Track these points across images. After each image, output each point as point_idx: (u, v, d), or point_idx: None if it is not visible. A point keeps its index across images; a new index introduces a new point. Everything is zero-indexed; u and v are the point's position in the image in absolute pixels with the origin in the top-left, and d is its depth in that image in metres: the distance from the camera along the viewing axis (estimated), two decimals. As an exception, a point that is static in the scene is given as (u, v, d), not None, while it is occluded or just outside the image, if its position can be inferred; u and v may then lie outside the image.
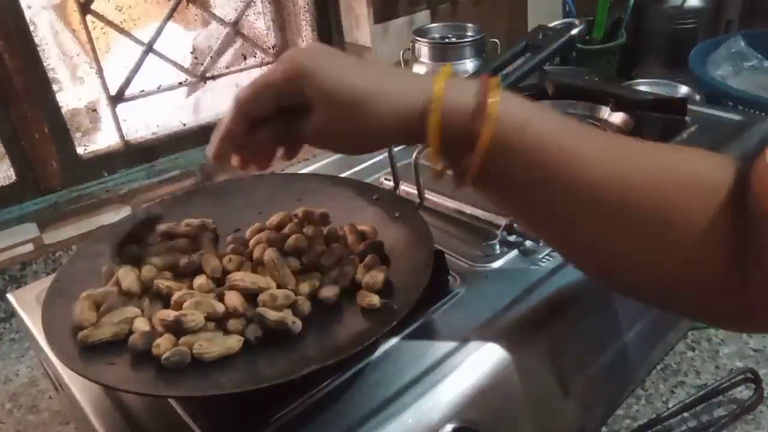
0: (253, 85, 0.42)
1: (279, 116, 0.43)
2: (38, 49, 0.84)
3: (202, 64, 1.08)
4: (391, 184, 0.64)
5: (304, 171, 0.76)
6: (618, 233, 0.39)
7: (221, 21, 1.07)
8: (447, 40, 1.06)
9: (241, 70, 1.11)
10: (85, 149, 0.94)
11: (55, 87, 0.88)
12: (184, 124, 1.04)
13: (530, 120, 0.39)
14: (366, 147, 0.44)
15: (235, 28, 1.09)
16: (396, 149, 0.63)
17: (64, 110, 0.89)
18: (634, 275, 0.41)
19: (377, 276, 0.47)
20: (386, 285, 0.48)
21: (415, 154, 0.59)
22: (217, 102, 1.10)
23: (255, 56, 1.12)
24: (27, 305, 0.56)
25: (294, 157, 0.48)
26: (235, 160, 0.46)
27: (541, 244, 0.56)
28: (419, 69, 1.05)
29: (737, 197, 0.37)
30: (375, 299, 0.46)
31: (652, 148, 0.41)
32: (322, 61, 0.41)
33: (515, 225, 0.58)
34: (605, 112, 0.79)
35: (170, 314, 0.43)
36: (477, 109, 0.38)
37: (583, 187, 0.39)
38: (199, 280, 0.47)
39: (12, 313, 0.68)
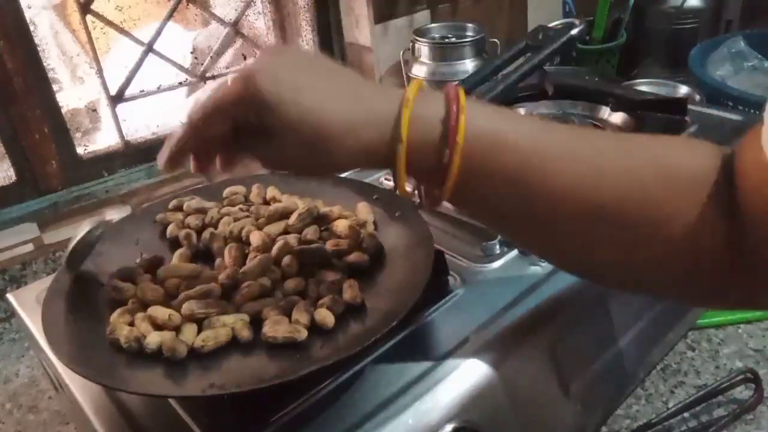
0: (205, 108, 0.40)
1: (230, 132, 0.41)
2: (38, 49, 0.84)
3: (202, 64, 1.08)
4: (391, 184, 0.64)
5: (304, 171, 0.76)
6: (602, 240, 0.39)
7: (221, 21, 1.07)
8: (447, 40, 1.06)
9: (241, 70, 1.10)
10: (85, 149, 0.94)
11: (55, 87, 0.88)
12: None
13: (498, 137, 0.38)
14: (326, 174, 0.45)
15: (235, 28, 1.09)
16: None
17: (64, 110, 0.89)
18: (624, 274, 0.41)
19: (327, 316, 0.45)
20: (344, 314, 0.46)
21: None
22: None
23: (255, 56, 1.12)
24: (27, 305, 0.56)
25: (230, 171, 0.45)
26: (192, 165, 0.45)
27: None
28: (419, 69, 1.05)
29: (724, 188, 0.36)
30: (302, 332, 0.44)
31: (632, 145, 0.40)
32: (284, 87, 0.37)
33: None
34: (605, 112, 0.79)
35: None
36: (444, 138, 0.37)
37: (561, 199, 0.38)
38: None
39: (12, 313, 0.68)
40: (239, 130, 0.40)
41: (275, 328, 0.43)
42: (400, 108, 0.37)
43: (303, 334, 0.43)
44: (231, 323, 0.44)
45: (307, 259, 0.50)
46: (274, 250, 0.51)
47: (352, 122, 0.37)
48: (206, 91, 0.40)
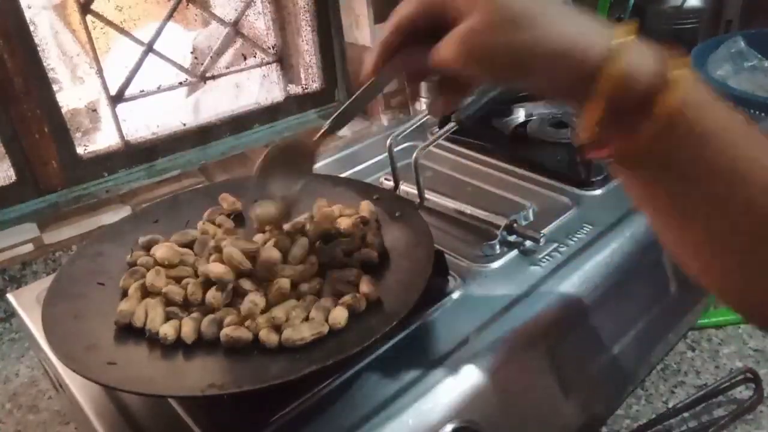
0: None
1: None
2: (38, 49, 0.84)
3: (202, 64, 1.08)
4: (391, 184, 0.64)
5: (304, 171, 0.76)
6: None
7: (221, 21, 1.07)
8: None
9: (241, 70, 1.11)
10: (85, 149, 0.94)
11: (55, 87, 0.88)
12: (184, 124, 1.04)
13: (714, 105, 0.34)
14: (520, 65, 0.35)
15: (235, 28, 1.09)
16: (396, 149, 0.64)
17: (64, 110, 0.89)
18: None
19: (341, 314, 0.45)
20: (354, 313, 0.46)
21: (415, 154, 0.59)
22: (217, 102, 1.10)
23: (255, 56, 1.12)
24: (27, 305, 0.56)
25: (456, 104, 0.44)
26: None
27: (541, 244, 0.56)
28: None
29: None
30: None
31: None
32: None
33: (515, 225, 0.58)
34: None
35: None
36: (662, 73, 0.33)
37: (747, 202, 0.33)
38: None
39: (12, 313, 0.68)
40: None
41: (300, 329, 0.43)
42: (620, 31, 0.34)
43: (326, 328, 0.44)
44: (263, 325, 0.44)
45: (324, 258, 0.50)
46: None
47: (564, 15, 0.34)
48: None
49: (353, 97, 0.45)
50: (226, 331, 0.44)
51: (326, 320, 0.45)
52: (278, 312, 0.45)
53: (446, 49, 0.37)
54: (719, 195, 0.34)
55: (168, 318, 0.46)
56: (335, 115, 0.46)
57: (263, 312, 0.45)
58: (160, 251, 0.51)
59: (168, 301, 0.47)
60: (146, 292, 0.48)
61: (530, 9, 0.34)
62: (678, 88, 0.33)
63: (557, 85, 0.36)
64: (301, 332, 0.43)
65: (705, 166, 0.34)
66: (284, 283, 0.47)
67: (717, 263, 0.37)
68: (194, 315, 0.46)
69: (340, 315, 0.45)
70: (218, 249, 0.49)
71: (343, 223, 0.53)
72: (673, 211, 0.37)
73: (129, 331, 0.46)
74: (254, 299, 0.45)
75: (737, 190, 0.34)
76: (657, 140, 0.33)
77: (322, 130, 0.47)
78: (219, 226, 0.56)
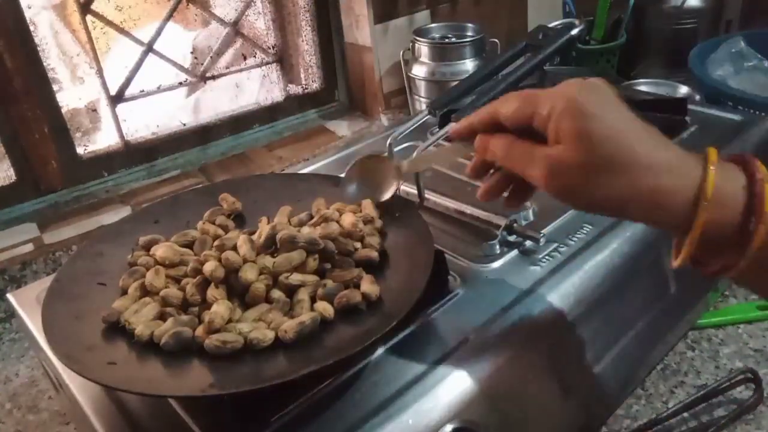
0: (518, 95, 0.40)
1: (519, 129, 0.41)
2: (38, 49, 0.85)
3: (202, 64, 1.08)
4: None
5: (304, 171, 0.76)
6: None
7: (221, 21, 1.07)
8: (447, 40, 1.06)
9: (241, 70, 1.11)
10: (85, 149, 0.94)
11: (55, 87, 0.88)
12: (184, 124, 1.04)
13: None
14: (606, 208, 0.38)
15: (235, 28, 1.09)
16: (396, 149, 0.64)
17: (64, 110, 0.90)
18: None
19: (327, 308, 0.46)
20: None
21: (415, 154, 0.59)
22: (217, 102, 1.10)
23: (255, 56, 1.12)
24: (27, 305, 0.56)
25: (518, 205, 0.47)
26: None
27: (541, 244, 0.56)
28: (419, 69, 1.05)
29: None
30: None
31: None
32: (602, 106, 0.37)
33: (515, 225, 0.58)
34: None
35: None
36: (750, 205, 0.35)
37: None
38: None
39: (12, 313, 0.68)
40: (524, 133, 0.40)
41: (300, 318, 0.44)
42: (707, 168, 0.35)
43: (309, 315, 0.44)
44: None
45: (326, 256, 0.50)
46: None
47: (654, 162, 0.36)
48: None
49: (440, 150, 0.53)
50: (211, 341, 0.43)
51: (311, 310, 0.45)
52: (253, 314, 0.46)
53: (535, 171, 0.39)
54: None
55: (162, 318, 0.46)
56: (423, 154, 0.55)
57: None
58: (161, 251, 0.51)
59: (165, 303, 0.47)
60: (146, 292, 0.48)
61: (622, 152, 0.36)
62: (766, 216, 0.34)
63: (653, 222, 0.38)
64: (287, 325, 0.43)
65: None
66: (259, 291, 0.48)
67: None
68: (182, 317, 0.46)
69: (326, 308, 0.45)
70: (220, 247, 0.50)
71: (346, 220, 0.53)
72: None
73: (129, 331, 0.46)
74: (217, 309, 0.45)
75: None
76: (757, 260, 0.35)
77: (411, 159, 0.54)
78: (219, 226, 0.56)
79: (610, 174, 0.36)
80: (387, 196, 0.56)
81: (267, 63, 1.14)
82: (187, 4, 1.03)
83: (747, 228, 0.35)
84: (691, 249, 0.36)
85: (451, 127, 0.45)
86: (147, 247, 0.53)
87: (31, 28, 0.84)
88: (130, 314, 0.46)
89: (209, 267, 0.47)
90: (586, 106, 0.36)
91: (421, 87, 1.06)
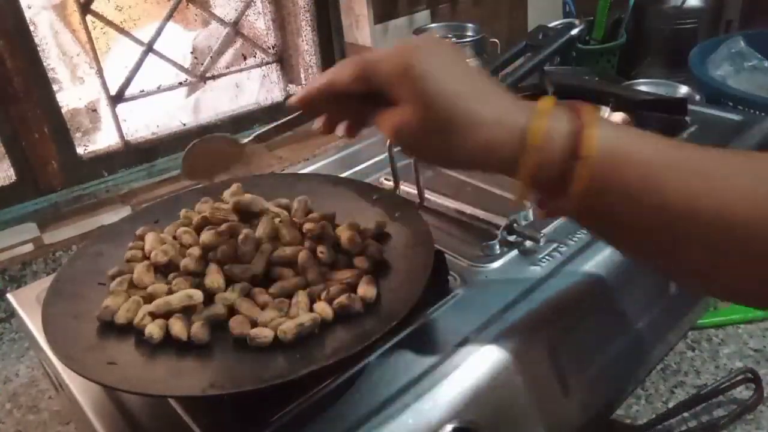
0: (350, 63, 0.42)
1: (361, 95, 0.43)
2: (38, 49, 0.84)
3: (202, 64, 1.08)
4: (391, 184, 0.64)
5: (304, 171, 0.76)
6: (731, 256, 0.37)
7: (221, 21, 1.07)
8: (447, 40, 1.06)
9: (240, 70, 1.11)
10: (85, 149, 0.94)
11: (55, 87, 0.88)
12: (184, 124, 1.04)
13: (630, 153, 0.37)
14: (446, 162, 0.43)
15: (235, 28, 1.09)
16: (396, 149, 0.63)
17: (64, 110, 0.89)
18: (744, 284, 0.39)
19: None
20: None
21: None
22: (217, 102, 1.10)
23: (255, 56, 1.12)
24: (27, 305, 0.56)
25: (354, 137, 0.48)
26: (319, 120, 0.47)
27: (541, 244, 0.56)
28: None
29: None
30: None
31: (754, 162, 0.38)
32: (434, 64, 0.39)
33: (515, 225, 0.58)
34: (605, 112, 0.79)
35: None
36: (572, 149, 0.37)
37: (692, 217, 0.36)
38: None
39: (12, 313, 0.68)
40: (368, 98, 0.42)
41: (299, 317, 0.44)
42: (531, 117, 0.38)
43: (308, 316, 0.44)
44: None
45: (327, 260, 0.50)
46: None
47: (485, 118, 0.38)
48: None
49: (285, 119, 0.49)
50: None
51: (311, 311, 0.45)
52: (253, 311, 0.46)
53: (383, 128, 0.42)
54: (658, 224, 0.37)
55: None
56: (267, 128, 0.51)
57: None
58: (149, 241, 0.51)
59: (152, 298, 0.47)
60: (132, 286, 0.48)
61: (456, 110, 0.38)
62: (587, 160, 0.36)
63: (495, 171, 0.40)
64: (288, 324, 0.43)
65: (639, 210, 0.37)
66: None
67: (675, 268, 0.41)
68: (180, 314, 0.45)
69: (324, 309, 0.45)
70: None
71: (344, 235, 0.52)
72: (628, 245, 0.42)
73: (129, 331, 0.46)
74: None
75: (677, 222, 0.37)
76: (581, 206, 0.38)
77: (252, 137, 0.51)
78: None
79: (448, 132, 0.38)
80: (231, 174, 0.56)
81: (267, 63, 1.14)
82: (187, 4, 1.03)
83: (571, 172, 0.37)
84: (522, 191, 0.39)
85: (290, 99, 0.47)
86: (142, 238, 0.54)
87: (31, 28, 0.83)
88: (122, 315, 0.46)
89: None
90: (420, 68, 0.38)
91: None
